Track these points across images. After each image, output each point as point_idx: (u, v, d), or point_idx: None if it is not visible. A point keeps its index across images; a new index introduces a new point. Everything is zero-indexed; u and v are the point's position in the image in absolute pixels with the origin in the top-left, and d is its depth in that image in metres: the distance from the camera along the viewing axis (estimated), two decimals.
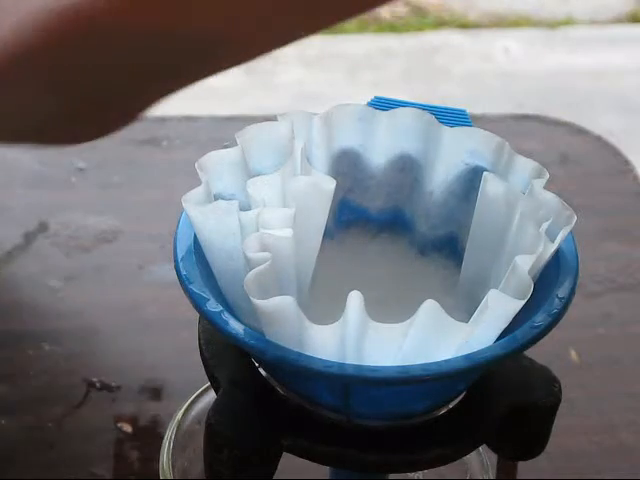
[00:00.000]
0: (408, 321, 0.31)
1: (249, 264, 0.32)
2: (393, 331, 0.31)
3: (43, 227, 0.67)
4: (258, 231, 0.32)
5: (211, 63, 0.44)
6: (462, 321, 0.31)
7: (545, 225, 0.33)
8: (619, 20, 2.28)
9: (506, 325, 0.32)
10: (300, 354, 0.31)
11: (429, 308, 0.30)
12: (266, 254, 0.32)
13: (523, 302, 0.31)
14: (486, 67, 2.08)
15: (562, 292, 0.34)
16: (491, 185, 0.36)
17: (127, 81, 0.44)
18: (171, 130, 0.76)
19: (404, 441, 0.35)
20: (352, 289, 0.31)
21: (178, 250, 0.35)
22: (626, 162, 0.77)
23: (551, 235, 0.33)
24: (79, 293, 0.62)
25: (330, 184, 0.34)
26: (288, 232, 0.32)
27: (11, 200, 0.69)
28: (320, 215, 0.35)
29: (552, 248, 0.33)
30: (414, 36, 2.17)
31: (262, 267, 0.31)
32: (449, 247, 0.39)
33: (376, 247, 0.40)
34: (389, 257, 0.39)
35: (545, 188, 0.35)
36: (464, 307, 0.36)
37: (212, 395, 0.39)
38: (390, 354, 0.31)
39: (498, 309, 0.31)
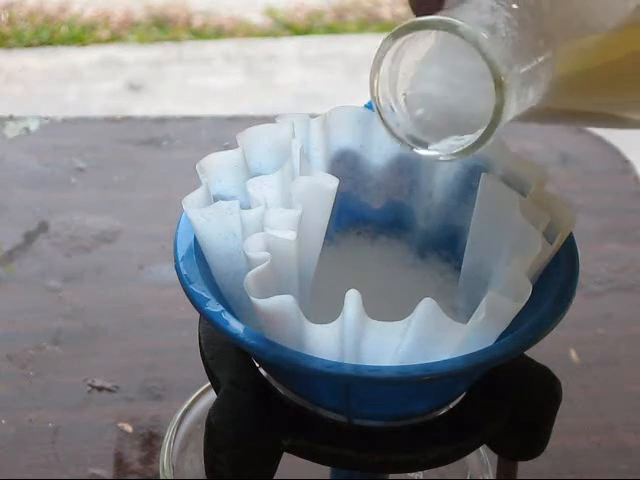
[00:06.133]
0: (406, 319, 0.31)
1: (250, 264, 0.32)
2: (391, 329, 0.31)
3: (43, 227, 0.67)
4: (261, 231, 0.32)
5: None
6: (461, 322, 0.31)
7: (544, 227, 0.33)
8: None
9: (505, 326, 0.32)
10: (300, 354, 0.31)
11: (427, 307, 0.30)
12: (266, 254, 0.32)
13: (522, 305, 0.31)
14: None
15: (562, 292, 0.34)
16: (490, 186, 0.36)
17: None
18: (171, 130, 0.76)
19: (404, 441, 0.35)
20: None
21: (178, 250, 0.35)
22: (626, 162, 0.77)
23: (551, 236, 0.33)
24: (79, 293, 0.62)
25: (332, 183, 0.34)
26: (292, 234, 0.32)
27: (11, 200, 0.69)
28: (322, 215, 0.35)
29: (551, 250, 0.33)
30: None
31: (262, 267, 0.31)
32: (448, 248, 0.39)
33: (375, 249, 0.40)
34: (388, 259, 0.39)
35: (545, 188, 0.35)
36: (464, 308, 0.36)
37: (212, 395, 0.39)
38: (389, 353, 0.31)
39: (496, 311, 0.31)
